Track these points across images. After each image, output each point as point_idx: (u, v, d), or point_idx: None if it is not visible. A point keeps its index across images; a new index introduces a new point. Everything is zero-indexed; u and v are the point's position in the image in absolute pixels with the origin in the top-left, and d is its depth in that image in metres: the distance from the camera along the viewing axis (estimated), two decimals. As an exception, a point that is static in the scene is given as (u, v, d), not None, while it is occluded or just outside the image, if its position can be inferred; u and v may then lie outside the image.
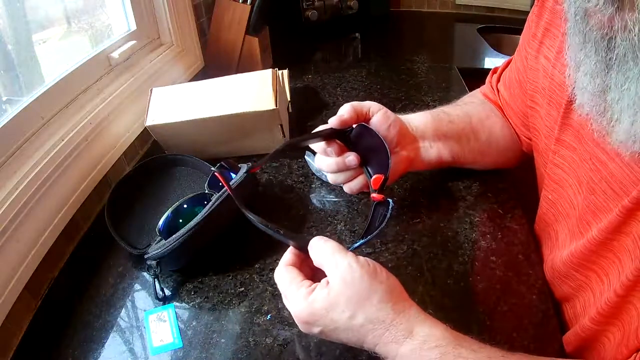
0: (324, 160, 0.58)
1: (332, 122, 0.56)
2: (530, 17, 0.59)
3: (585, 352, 0.48)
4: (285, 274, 0.44)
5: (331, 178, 0.60)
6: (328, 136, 0.57)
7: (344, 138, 0.58)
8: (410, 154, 0.63)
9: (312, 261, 0.46)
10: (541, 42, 0.56)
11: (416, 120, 0.65)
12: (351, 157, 0.56)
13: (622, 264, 0.43)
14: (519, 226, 0.64)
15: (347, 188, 0.60)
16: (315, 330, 0.42)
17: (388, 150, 0.54)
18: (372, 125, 0.58)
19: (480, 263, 0.58)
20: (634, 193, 0.40)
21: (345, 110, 0.57)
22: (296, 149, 0.81)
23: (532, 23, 0.59)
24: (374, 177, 0.55)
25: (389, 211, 0.47)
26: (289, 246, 0.47)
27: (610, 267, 0.45)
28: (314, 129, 0.59)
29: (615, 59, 0.34)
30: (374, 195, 0.52)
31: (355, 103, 0.58)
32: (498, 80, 0.71)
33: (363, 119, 0.58)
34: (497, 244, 0.61)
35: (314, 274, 0.46)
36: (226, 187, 0.51)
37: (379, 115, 0.59)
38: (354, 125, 0.58)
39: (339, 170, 0.58)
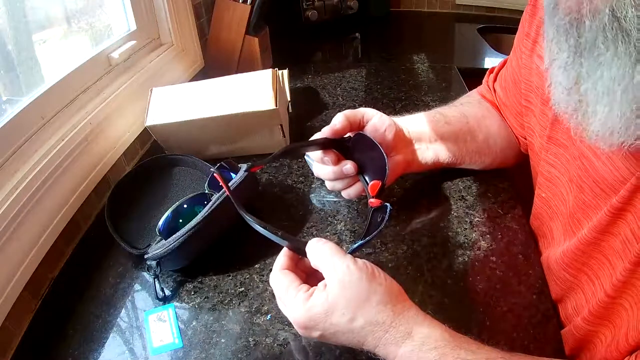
0: (322, 168, 0.59)
1: (325, 132, 0.57)
2: (524, 16, 0.60)
3: (581, 351, 0.48)
4: (282, 279, 0.44)
5: (329, 185, 0.61)
6: (326, 145, 0.57)
7: (342, 147, 0.59)
8: (407, 157, 0.63)
9: (305, 264, 0.46)
10: (535, 41, 0.56)
11: (412, 122, 0.66)
12: (348, 166, 0.57)
13: (612, 265, 0.43)
14: (519, 226, 0.64)
15: (345, 194, 0.61)
16: (315, 334, 0.42)
17: (385, 156, 0.54)
18: (367, 131, 0.59)
19: (480, 263, 0.58)
20: (622, 192, 0.40)
21: (338, 121, 0.57)
22: (294, 155, 0.81)
23: (525, 22, 0.59)
24: (371, 183, 0.55)
25: (387, 214, 0.47)
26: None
27: (600, 269, 0.45)
28: (314, 129, 0.59)
29: (585, 44, 0.33)
30: (371, 201, 0.52)
31: (347, 112, 0.58)
32: (495, 80, 0.71)
33: (357, 126, 0.59)
34: (497, 244, 0.61)
35: (307, 277, 0.46)
36: (225, 188, 0.51)
37: (373, 121, 0.59)
38: (351, 134, 0.58)
39: (337, 179, 0.59)
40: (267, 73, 0.79)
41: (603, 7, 0.31)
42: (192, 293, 0.58)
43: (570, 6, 0.33)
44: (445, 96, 1.03)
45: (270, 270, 0.46)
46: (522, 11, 0.60)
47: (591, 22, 0.32)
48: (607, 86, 0.33)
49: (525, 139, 0.64)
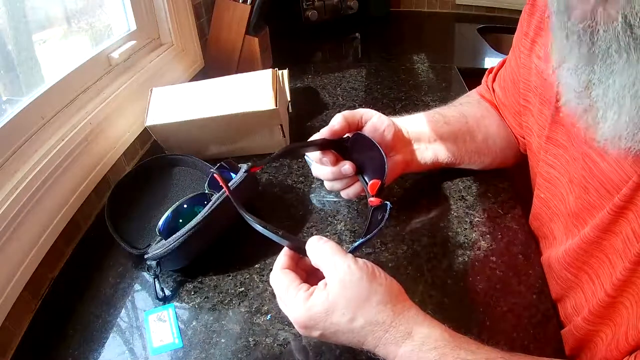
0: (321, 169, 0.59)
1: (324, 132, 0.57)
2: (522, 16, 0.60)
3: (581, 351, 0.48)
4: (282, 278, 0.44)
5: (328, 186, 0.61)
6: (325, 146, 0.57)
7: (340, 147, 0.59)
8: (406, 157, 0.63)
9: (306, 263, 0.45)
10: (533, 40, 0.56)
11: (411, 122, 0.66)
12: (347, 166, 0.57)
13: (612, 265, 0.43)
14: (519, 226, 0.64)
15: (344, 194, 0.61)
16: (315, 333, 0.42)
17: (384, 156, 0.54)
18: (366, 131, 0.59)
19: (480, 263, 0.58)
20: (624, 190, 0.40)
21: (336, 122, 0.57)
22: (293, 155, 0.81)
23: (524, 22, 0.59)
24: (370, 182, 0.55)
25: (387, 212, 0.48)
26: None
27: (600, 268, 0.45)
28: (314, 129, 0.59)
29: (599, 52, 0.33)
30: (371, 199, 0.53)
31: (346, 113, 0.58)
32: (494, 80, 0.72)
33: (356, 127, 0.59)
34: (497, 244, 0.61)
35: (308, 276, 0.46)
36: (225, 189, 0.51)
37: (372, 122, 0.59)
38: (349, 134, 0.59)
39: (335, 179, 0.59)
40: (267, 73, 0.79)
41: (616, 15, 0.31)
42: (192, 293, 0.58)
43: (585, 13, 0.33)
44: (445, 96, 1.03)
45: (271, 270, 0.46)
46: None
47: (605, 31, 0.32)
48: (617, 93, 0.33)
49: (524, 138, 0.64)
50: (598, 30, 0.32)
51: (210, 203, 0.58)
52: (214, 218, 0.57)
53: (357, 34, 1.53)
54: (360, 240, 0.46)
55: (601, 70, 0.34)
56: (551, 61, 0.41)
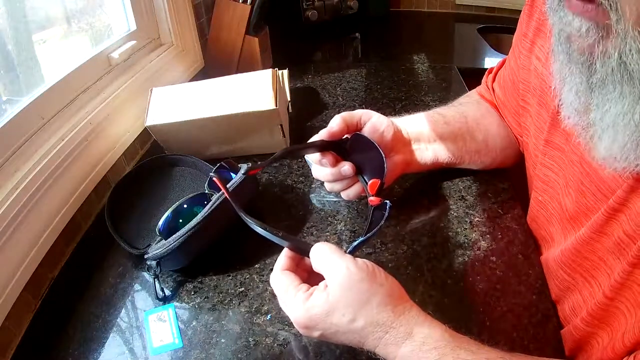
0: (320, 170, 0.59)
1: (322, 134, 0.57)
2: (522, 16, 0.60)
3: (580, 352, 0.48)
4: (282, 279, 0.44)
5: (328, 187, 0.62)
6: (324, 147, 0.57)
7: (340, 148, 0.59)
8: (405, 157, 0.63)
9: (307, 263, 0.46)
10: (533, 41, 0.56)
11: (411, 122, 0.66)
12: (346, 167, 0.57)
13: (608, 266, 0.43)
14: (518, 226, 0.64)
15: (344, 195, 0.61)
16: (315, 334, 0.42)
17: (383, 156, 0.54)
18: (365, 132, 0.59)
19: (480, 263, 0.58)
20: (619, 192, 0.41)
21: (335, 123, 0.57)
22: (292, 157, 0.81)
23: (523, 22, 0.59)
24: (370, 182, 0.55)
25: (387, 211, 0.48)
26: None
27: (595, 269, 0.46)
28: (314, 129, 0.59)
29: (597, 82, 0.36)
30: (371, 199, 0.53)
31: (345, 114, 0.58)
32: (494, 80, 0.72)
33: (355, 128, 0.59)
34: (497, 244, 0.61)
35: (309, 277, 0.46)
36: (224, 191, 0.51)
37: (371, 122, 0.59)
38: (348, 135, 0.59)
39: (335, 180, 0.59)
40: (267, 73, 0.79)
41: (613, 52, 0.33)
42: (192, 293, 0.58)
43: (583, 47, 0.36)
44: (445, 96, 1.03)
45: (271, 270, 0.46)
46: (522, 11, 0.60)
47: (602, 66, 0.35)
48: (612, 120, 0.36)
49: (522, 137, 0.64)
50: (596, 63, 0.35)
51: (210, 203, 0.58)
52: (213, 218, 0.57)
53: (357, 34, 1.53)
54: (360, 239, 0.46)
55: (598, 98, 0.37)
56: (553, 76, 0.44)
